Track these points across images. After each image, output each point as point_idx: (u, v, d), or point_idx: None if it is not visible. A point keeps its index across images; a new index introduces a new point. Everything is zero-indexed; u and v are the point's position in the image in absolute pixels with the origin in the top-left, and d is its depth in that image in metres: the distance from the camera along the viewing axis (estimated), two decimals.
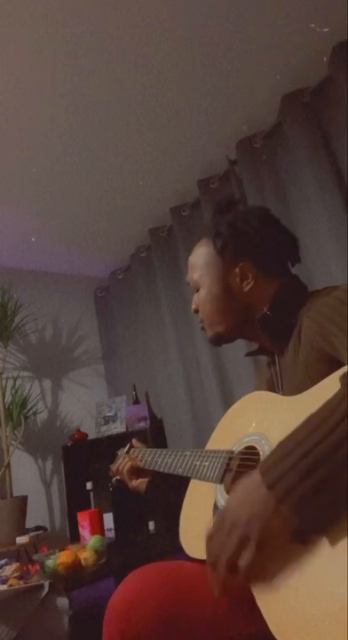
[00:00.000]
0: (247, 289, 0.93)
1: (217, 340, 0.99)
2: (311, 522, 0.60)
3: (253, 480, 0.65)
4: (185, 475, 0.97)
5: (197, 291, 1.01)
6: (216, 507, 0.85)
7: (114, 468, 1.23)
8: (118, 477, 1.21)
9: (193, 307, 1.02)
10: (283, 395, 0.90)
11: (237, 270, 0.94)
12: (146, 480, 1.15)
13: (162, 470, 1.06)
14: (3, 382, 2.53)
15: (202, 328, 1.02)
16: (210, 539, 0.69)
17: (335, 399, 0.63)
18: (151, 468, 1.10)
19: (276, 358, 0.94)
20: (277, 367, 0.93)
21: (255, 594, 0.67)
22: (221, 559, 0.66)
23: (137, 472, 1.16)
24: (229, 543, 0.65)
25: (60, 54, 1.68)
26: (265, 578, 0.65)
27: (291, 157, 2.07)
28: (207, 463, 0.92)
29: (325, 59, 1.89)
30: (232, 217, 0.98)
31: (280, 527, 0.62)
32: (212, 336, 0.99)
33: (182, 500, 0.95)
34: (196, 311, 1.02)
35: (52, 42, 1.63)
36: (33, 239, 2.77)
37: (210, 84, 1.94)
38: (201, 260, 0.99)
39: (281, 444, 0.65)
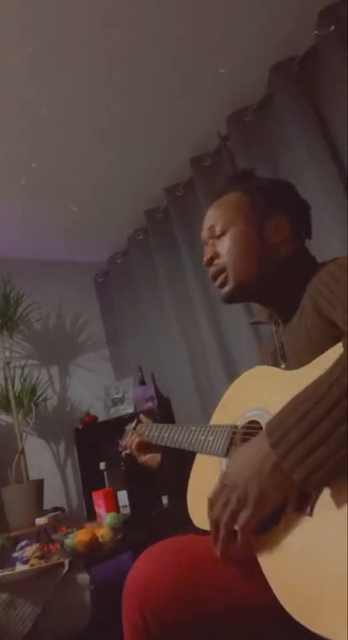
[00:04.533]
0: (278, 240, 0.93)
1: (236, 293, 0.94)
2: (308, 477, 0.61)
3: (259, 439, 0.69)
4: (190, 449, 1.00)
5: (217, 238, 0.97)
6: None
7: (122, 442, 1.25)
8: (127, 451, 1.23)
9: (210, 254, 0.97)
10: (286, 363, 0.93)
11: (275, 218, 0.94)
12: (156, 455, 1.16)
13: (168, 445, 1.08)
14: (12, 371, 2.57)
15: (219, 278, 0.96)
16: (212, 504, 0.73)
17: (335, 363, 0.66)
18: (158, 443, 1.12)
19: (281, 326, 0.95)
20: (281, 335, 0.95)
21: (263, 567, 0.69)
22: (222, 520, 0.70)
23: (145, 447, 1.18)
24: (229, 505, 0.69)
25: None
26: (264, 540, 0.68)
27: (283, 129, 2.05)
28: (212, 438, 0.93)
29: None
30: (268, 178, 1.00)
31: (279, 483, 0.65)
32: (233, 287, 0.94)
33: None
34: (211, 261, 0.97)
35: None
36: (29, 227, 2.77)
37: (198, 59, 1.91)
38: (234, 205, 0.96)
39: (286, 406, 0.67)
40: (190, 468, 1.00)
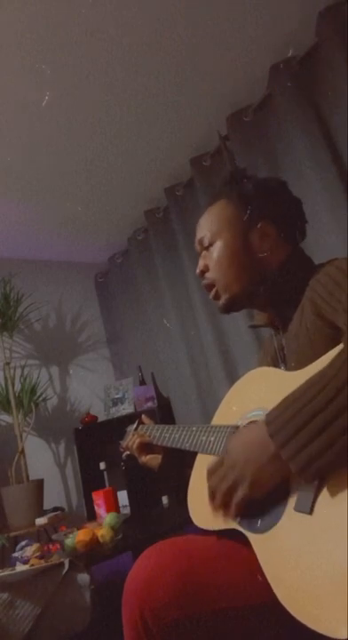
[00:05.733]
0: (265, 248, 0.93)
1: (230, 305, 0.96)
2: (306, 467, 0.63)
3: (257, 427, 0.73)
4: (191, 449, 0.99)
5: (206, 249, 0.98)
6: None
7: (123, 444, 1.24)
8: (128, 453, 1.23)
9: (201, 268, 0.99)
10: (286, 365, 0.93)
11: (259, 227, 0.94)
12: (157, 456, 1.16)
13: (169, 445, 1.08)
14: (12, 371, 2.57)
15: (212, 292, 0.98)
16: (211, 472, 0.78)
17: (336, 356, 0.68)
18: (159, 444, 1.12)
19: (280, 330, 0.95)
20: (281, 338, 0.95)
21: (263, 566, 0.70)
22: (218, 491, 0.75)
23: (146, 448, 1.18)
24: (226, 480, 0.74)
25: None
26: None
27: (283, 128, 2.05)
28: (212, 438, 0.93)
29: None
30: (255, 181, 0.99)
31: (274, 472, 0.69)
32: (226, 300, 0.96)
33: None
34: (203, 273, 0.98)
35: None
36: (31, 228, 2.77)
37: (198, 59, 1.91)
38: (219, 216, 0.98)
39: (286, 398, 0.69)
40: (191, 469, 1.00)
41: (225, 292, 0.95)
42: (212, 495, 0.77)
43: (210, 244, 0.98)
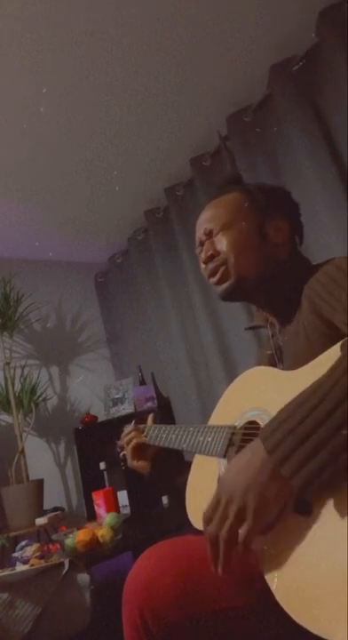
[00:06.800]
0: (278, 241, 0.93)
1: (235, 289, 0.93)
2: (308, 483, 0.60)
3: (253, 446, 0.67)
4: (189, 450, 0.99)
5: (215, 237, 0.96)
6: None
7: (120, 442, 1.23)
8: (125, 452, 1.21)
9: (210, 252, 0.95)
10: (283, 366, 0.92)
11: (273, 221, 0.94)
12: (146, 464, 1.14)
13: (166, 445, 1.07)
14: (12, 371, 2.57)
15: (217, 274, 0.94)
16: (208, 518, 0.69)
17: (334, 366, 0.64)
18: (156, 444, 1.11)
19: (278, 330, 0.95)
20: (278, 339, 0.95)
21: (261, 567, 0.69)
22: (221, 534, 0.66)
23: (139, 451, 1.16)
24: (227, 521, 0.65)
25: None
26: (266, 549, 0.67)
27: (283, 129, 2.05)
28: (210, 438, 0.93)
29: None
30: (264, 183, 1.01)
31: (277, 491, 0.63)
32: (234, 281, 0.92)
33: (184, 480, 0.96)
34: (211, 257, 0.95)
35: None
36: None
37: (198, 59, 1.91)
38: (233, 205, 0.96)
39: (282, 411, 0.65)
40: (182, 477, 0.99)
41: (235, 273, 0.92)
42: (214, 545, 0.67)
43: (221, 231, 0.95)
